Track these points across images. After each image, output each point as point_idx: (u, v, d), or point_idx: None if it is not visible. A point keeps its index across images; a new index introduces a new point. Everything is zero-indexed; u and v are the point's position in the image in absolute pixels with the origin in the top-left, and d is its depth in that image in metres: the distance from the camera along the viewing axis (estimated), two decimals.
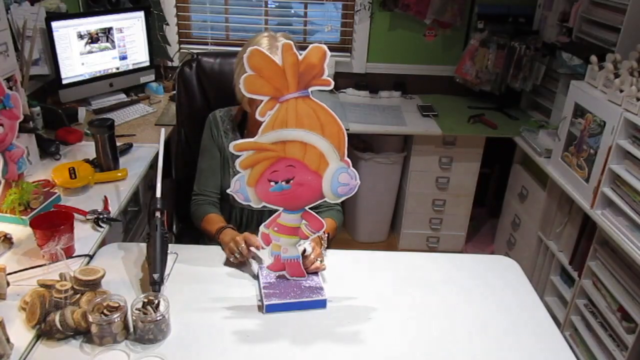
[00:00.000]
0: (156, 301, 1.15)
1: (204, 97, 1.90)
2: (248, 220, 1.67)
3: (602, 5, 2.35)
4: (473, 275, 1.44)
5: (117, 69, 2.66)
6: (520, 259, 2.07)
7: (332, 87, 1.10)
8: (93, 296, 1.17)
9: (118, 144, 1.95)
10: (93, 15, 2.54)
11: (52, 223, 1.37)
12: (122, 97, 2.69)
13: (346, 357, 1.14)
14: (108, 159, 1.88)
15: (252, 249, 1.37)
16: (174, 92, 2.63)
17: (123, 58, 2.67)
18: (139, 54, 2.73)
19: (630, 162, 1.86)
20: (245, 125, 1.65)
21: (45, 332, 1.12)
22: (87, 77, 2.54)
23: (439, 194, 2.97)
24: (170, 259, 1.35)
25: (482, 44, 2.94)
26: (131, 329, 1.15)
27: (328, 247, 1.46)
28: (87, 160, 1.90)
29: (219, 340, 1.16)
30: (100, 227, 1.54)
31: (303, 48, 1.05)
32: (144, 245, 1.40)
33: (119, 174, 1.86)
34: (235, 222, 1.66)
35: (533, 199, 2.58)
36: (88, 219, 1.57)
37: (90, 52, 2.52)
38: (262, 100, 1.45)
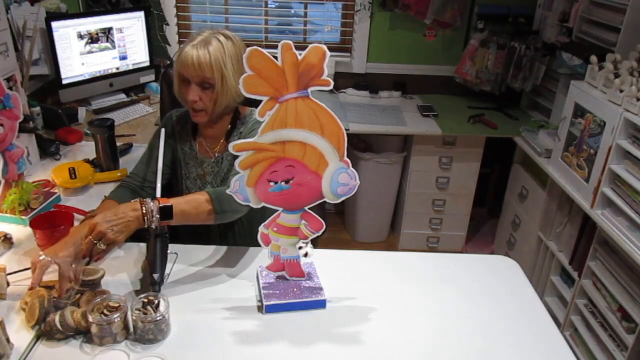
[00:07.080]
0: (156, 301, 1.15)
1: None
2: (209, 226, 1.52)
3: (602, 5, 2.35)
4: (473, 275, 1.44)
5: (117, 69, 2.67)
6: (520, 259, 2.07)
7: (331, 87, 1.09)
8: (93, 296, 1.17)
9: (118, 144, 1.95)
10: (93, 15, 2.54)
11: (52, 223, 1.38)
12: (122, 97, 2.69)
13: (346, 357, 1.14)
14: (108, 159, 1.88)
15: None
16: None
17: (123, 58, 2.67)
18: (138, 54, 2.73)
19: (630, 162, 1.86)
20: (197, 129, 1.59)
21: (45, 332, 1.12)
22: (87, 77, 2.55)
23: (439, 194, 2.97)
24: (170, 259, 1.35)
25: (482, 44, 2.94)
26: (131, 329, 1.15)
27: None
28: (87, 160, 1.90)
29: (219, 340, 1.16)
30: None
31: (303, 48, 1.05)
32: (144, 245, 1.39)
33: (119, 174, 1.86)
34: (196, 228, 1.54)
35: (533, 199, 2.58)
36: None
37: (90, 52, 2.52)
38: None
